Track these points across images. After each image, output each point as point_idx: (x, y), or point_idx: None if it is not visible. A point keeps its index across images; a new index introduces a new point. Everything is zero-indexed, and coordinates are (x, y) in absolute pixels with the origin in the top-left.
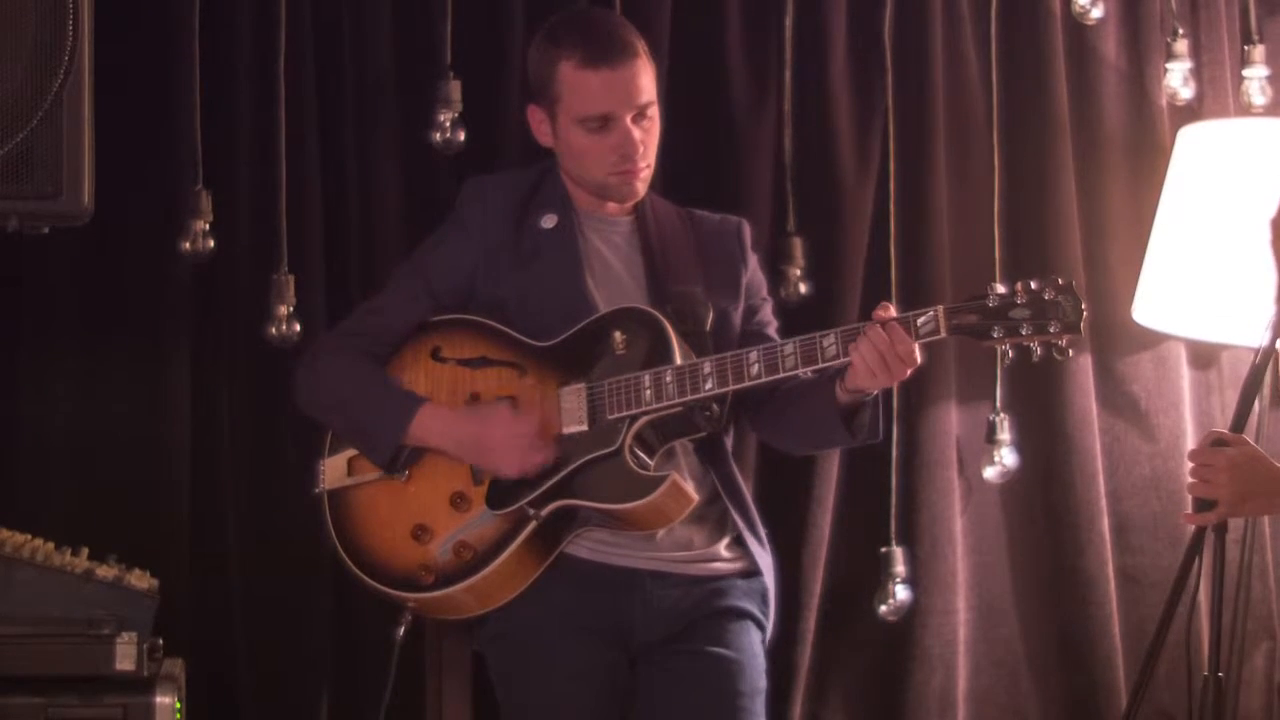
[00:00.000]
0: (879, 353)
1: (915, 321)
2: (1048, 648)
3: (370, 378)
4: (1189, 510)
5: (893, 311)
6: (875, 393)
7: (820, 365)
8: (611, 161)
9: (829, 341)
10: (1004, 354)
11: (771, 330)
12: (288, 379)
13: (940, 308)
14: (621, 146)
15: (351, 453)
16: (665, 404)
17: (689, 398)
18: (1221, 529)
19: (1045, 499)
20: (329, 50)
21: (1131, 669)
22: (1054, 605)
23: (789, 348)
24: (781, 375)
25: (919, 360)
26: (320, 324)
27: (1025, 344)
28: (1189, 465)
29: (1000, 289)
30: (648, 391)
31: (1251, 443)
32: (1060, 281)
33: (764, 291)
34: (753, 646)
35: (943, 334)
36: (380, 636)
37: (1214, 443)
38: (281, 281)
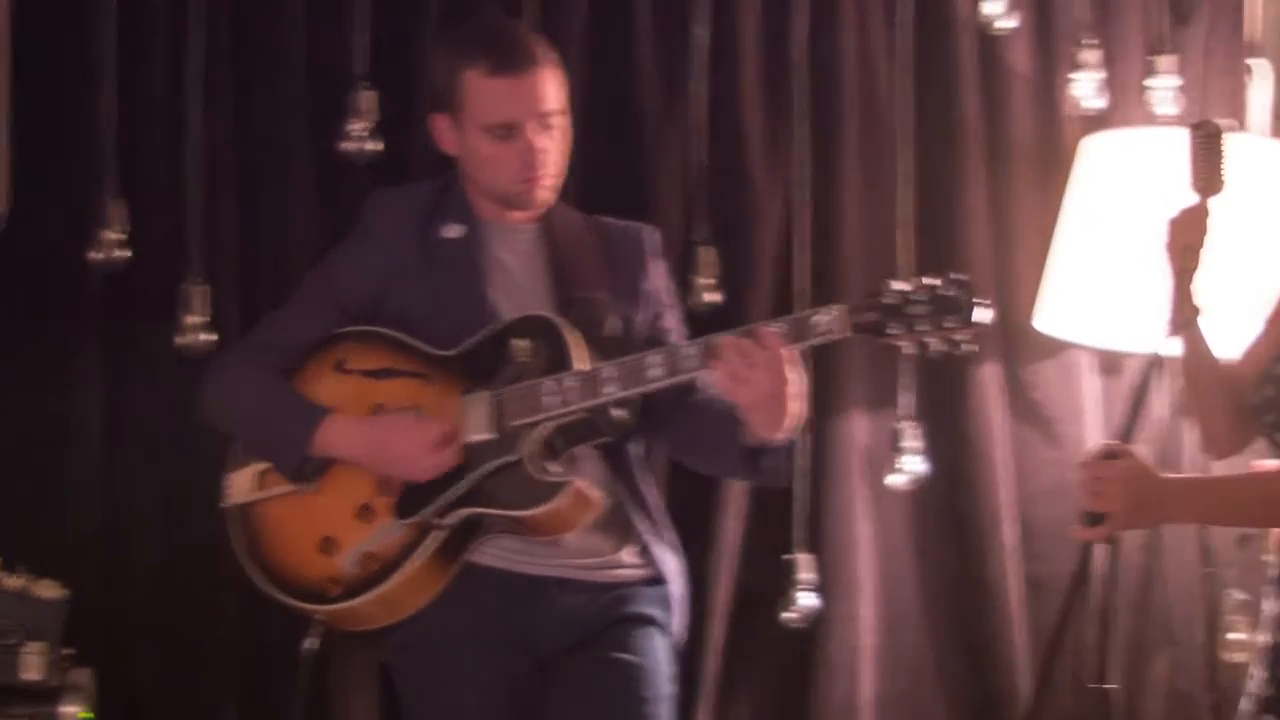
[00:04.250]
0: (745, 357)
1: (815, 320)
2: (953, 654)
3: (276, 390)
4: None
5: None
6: (784, 440)
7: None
8: (516, 169)
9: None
10: (902, 350)
11: (675, 338)
12: (198, 389)
13: (840, 306)
14: (526, 155)
15: (259, 467)
16: (568, 410)
17: (590, 402)
18: (1113, 541)
19: (951, 506)
20: (244, 59)
21: (1036, 675)
22: (960, 612)
23: (690, 349)
24: (684, 376)
25: (793, 379)
26: (233, 333)
27: (923, 340)
28: (1080, 478)
29: (898, 286)
30: (549, 398)
31: (1140, 454)
32: (957, 278)
33: (669, 298)
34: (658, 652)
35: (843, 333)
36: (290, 648)
37: (1105, 454)
38: (193, 291)
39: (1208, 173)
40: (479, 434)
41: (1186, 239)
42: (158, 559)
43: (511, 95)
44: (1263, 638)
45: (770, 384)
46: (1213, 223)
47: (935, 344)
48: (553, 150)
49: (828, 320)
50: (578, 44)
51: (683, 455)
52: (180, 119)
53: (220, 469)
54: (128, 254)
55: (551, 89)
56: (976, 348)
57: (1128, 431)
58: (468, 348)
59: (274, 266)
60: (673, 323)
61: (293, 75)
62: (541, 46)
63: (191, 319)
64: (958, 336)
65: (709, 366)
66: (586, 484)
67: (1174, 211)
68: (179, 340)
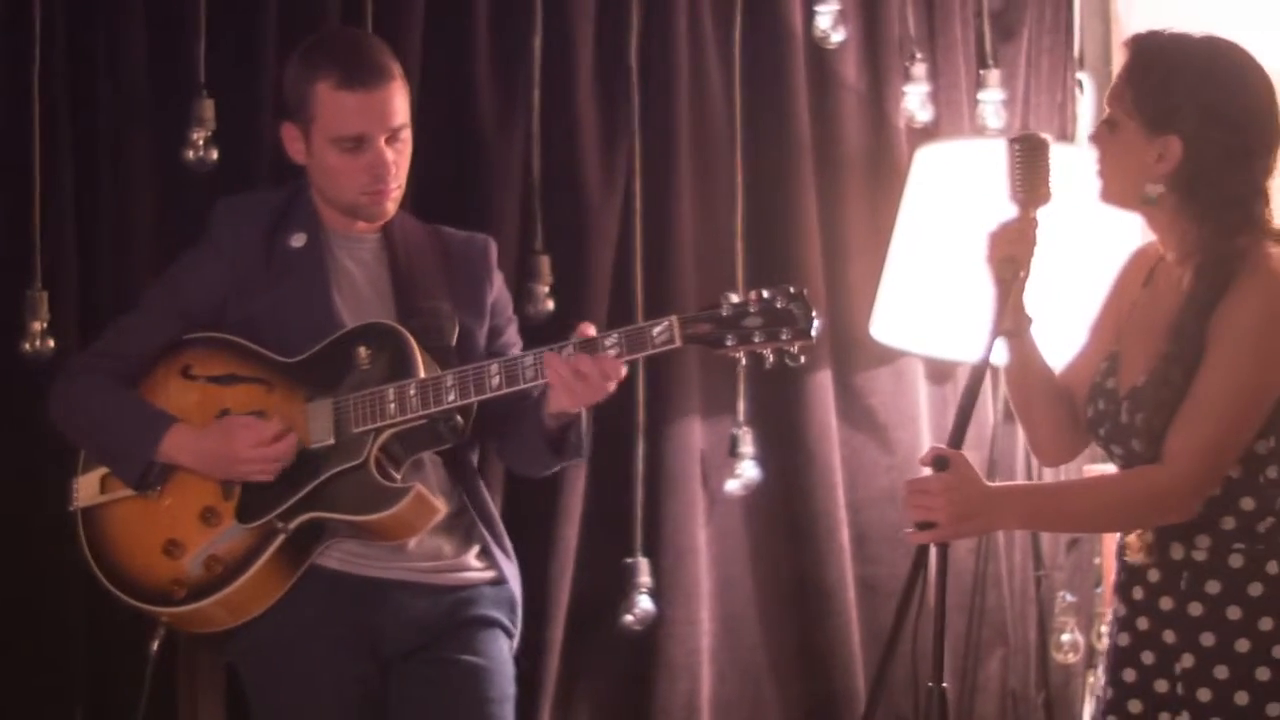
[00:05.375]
0: (579, 372)
1: (650, 332)
2: (790, 656)
3: (121, 398)
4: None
5: (592, 331)
6: (579, 413)
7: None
8: (363, 181)
9: (568, 352)
10: (737, 361)
11: (516, 351)
12: (41, 395)
13: (675, 318)
14: (374, 167)
15: (104, 470)
16: (409, 416)
17: (432, 410)
18: (944, 545)
19: (787, 511)
20: (83, 67)
21: (871, 676)
22: (796, 614)
23: (529, 359)
24: (523, 386)
25: (623, 374)
26: (74, 340)
27: (758, 351)
28: (904, 491)
29: (734, 298)
30: (391, 405)
31: (967, 461)
32: (792, 290)
33: (509, 311)
34: (502, 654)
35: (678, 343)
36: (135, 651)
37: (935, 459)
38: (35, 298)
39: (1031, 185)
40: (321, 440)
41: (1007, 251)
42: (1, 562)
43: (362, 109)
44: (1106, 640)
45: (599, 393)
46: (1039, 234)
47: (769, 356)
48: (399, 163)
49: (664, 331)
50: (415, 54)
51: (507, 460)
52: (20, 125)
53: (65, 473)
54: None
55: (400, 103)
56: (803, 360)
57: (958, 439)
58: (311, 355)
59: (114, 273)
60: (513, 336)
61: (133, 82)
62: (391, 60)
63: (37, 325)
64: (792, 349)
65: (545, 377)
66: (428, 489)
67: (993, 224)
68: (25, 347)
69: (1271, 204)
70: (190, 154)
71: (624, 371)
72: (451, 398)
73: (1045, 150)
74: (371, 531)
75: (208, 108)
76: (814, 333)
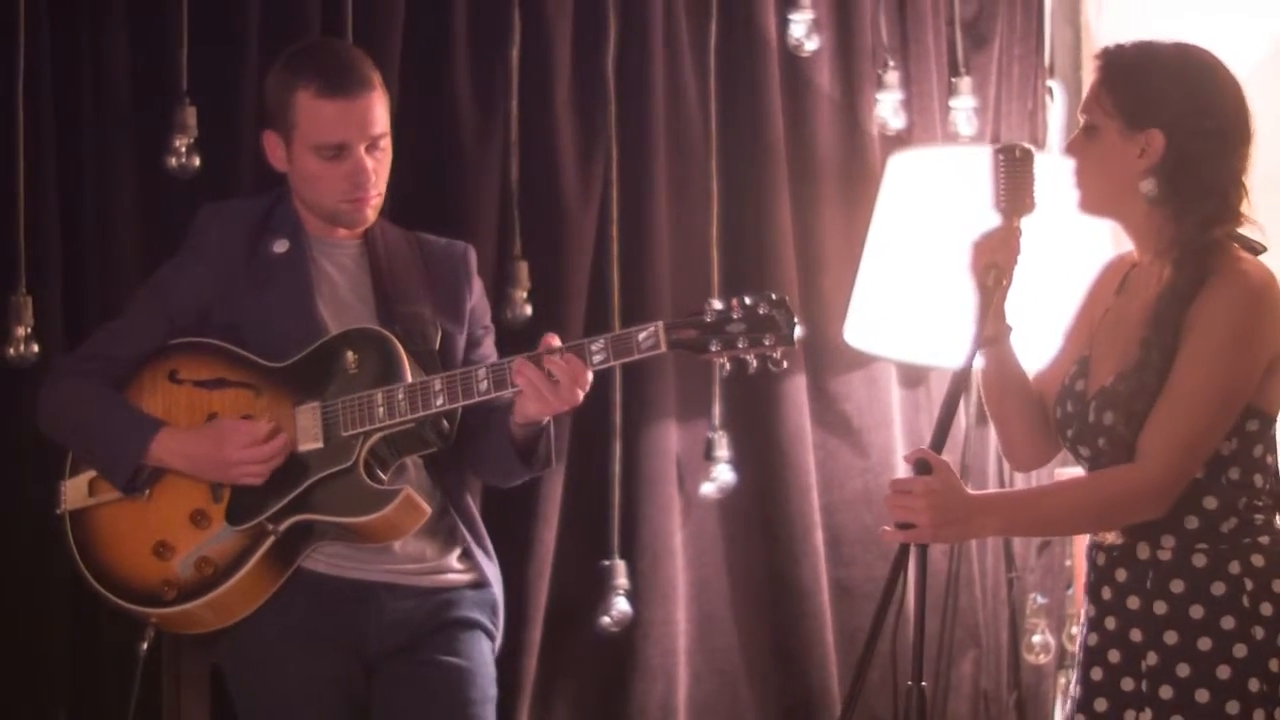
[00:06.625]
0: (550, 375)
1: (636, 337)
2: (765, 657)
3: (109, 401)
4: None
5: (558, 343)
6: (547, 422)
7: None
8: (344, 189)
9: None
10: (721, 367)
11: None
12: (26, 400)
13: (660, 323)
14: (354, 175)
15: (92, 473)
16: (398, 420)
17: (420, 414)
18: (923, 545)
19: (762, 513)
20: (67, 73)
21: (845, 677)
22: (771, 616)
23: (517, 364)
24: (510, 390)
25: (590, 381)
26: (58, 345)
27: (741, 357)
28: (888, 492)
29: (717, 304)
30: (380, 409)
31: (950, 467)
32: (774, 296)
33: (487, 320)
34: (483, 655)
35: (663, 348)
36: (122, 651)
37: (917, 460)
38: (19, 302)
39: (1015, 194)
40: (310, 443)
41: (990, 259)
42: None
43: (342, 117)
44: (1078, 639)
45: (569, 400)
46: (1022, 243)
47: (752, 361)
48: (379, 171)
49: (649, 337)
50: (394, 63)
51: (474, 469)
52: (3, 131)
53: (50, 476)
54: None
55: (380, 111)
56: (786, 365)
57: (938, 446)
58: (298, 359)
59: (97, 279)
60: (490, 348)
61: (116, 88)
62: (371, 69)
63: (21, 330)
64: (775, 355)
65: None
66: (416, 492)
67: (977, 233)
68: (9, 351)
69: (1248, 196)
70: (173, 160)
71: (590, 378)
72: (440, 402)
73: (1030, 160)
74: (360, 534)
75: (190, 114)
76: (796, 339)
